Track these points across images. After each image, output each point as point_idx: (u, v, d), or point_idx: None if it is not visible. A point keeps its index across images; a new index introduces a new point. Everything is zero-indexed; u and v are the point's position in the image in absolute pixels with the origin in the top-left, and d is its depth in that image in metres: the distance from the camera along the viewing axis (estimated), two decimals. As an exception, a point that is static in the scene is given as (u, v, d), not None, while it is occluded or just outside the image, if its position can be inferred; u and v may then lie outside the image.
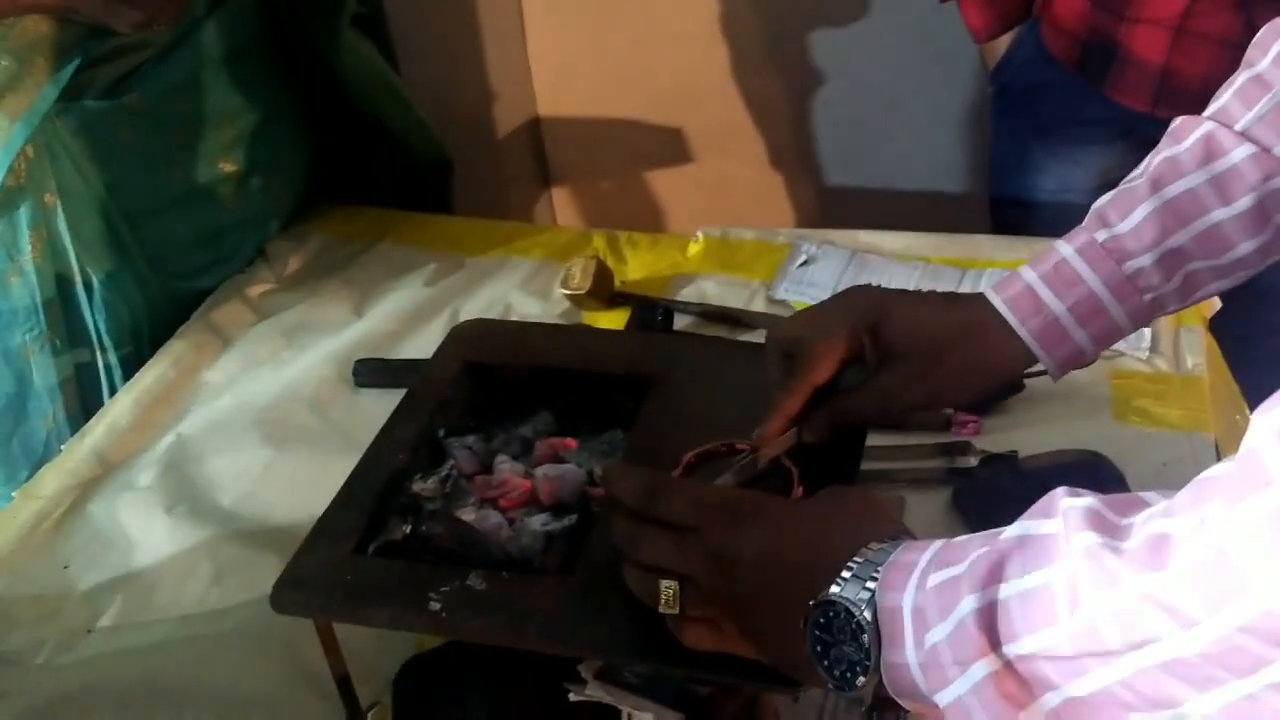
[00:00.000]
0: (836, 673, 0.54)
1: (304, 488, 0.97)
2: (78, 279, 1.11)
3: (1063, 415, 0.97)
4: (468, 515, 0.74)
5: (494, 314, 1.18)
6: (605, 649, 0.68)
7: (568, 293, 1.16)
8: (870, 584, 0.53)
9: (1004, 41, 1.33)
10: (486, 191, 1.81)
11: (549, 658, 0.69)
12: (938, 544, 0.53)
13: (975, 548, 0.50)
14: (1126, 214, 0.69)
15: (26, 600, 0.91)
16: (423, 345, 1.13)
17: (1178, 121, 0.72)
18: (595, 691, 0.71)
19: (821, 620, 0.54)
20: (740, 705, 0.72)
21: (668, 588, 0.60)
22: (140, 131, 1.12)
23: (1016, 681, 0.47)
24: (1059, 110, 1.32)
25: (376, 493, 0.75)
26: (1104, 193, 1.38)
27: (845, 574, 0.54)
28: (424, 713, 0.78)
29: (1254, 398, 1.05)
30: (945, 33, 1.48)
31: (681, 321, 1.13)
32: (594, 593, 0.67)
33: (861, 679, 0.53)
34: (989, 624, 0.48)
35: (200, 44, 1.16)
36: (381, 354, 1.14)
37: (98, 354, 1.15)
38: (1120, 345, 1.03)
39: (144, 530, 0.97)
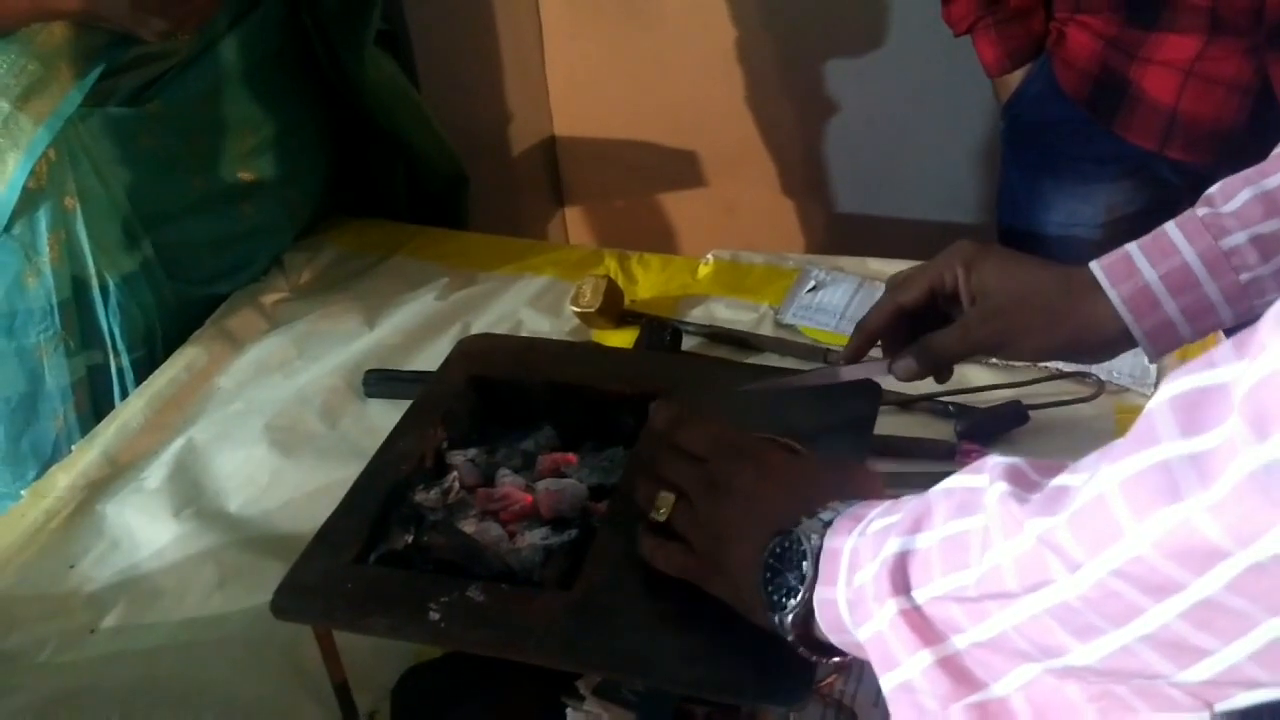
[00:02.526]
0: (775, 597, 0.59)
1: (310, 495, 0.98)
2: (94, 282, 1.12)
3: (1067, 448, 0.97)
4: (469, 527, 0.75)
5: (504, 329, 1.19)
6: (603, 664, 0.68)
7: (578, 310, 1.17)
8: (827, 527, 0.58)
9: (1017, 76, 1.34)
10: (501, 208, 1.83)
11: (546, 671, 0.69)
12: (890, 502, 0.57)
13: (914, 498, 0.55)
14: (1231, 197, 0.70)
15: (31, 598, 0.92)
16: (433, 358, 1.13)
17: None
18: (592, 707, 0.72)
19: (777, 550, 0.59)
20: (735, 725, 0.72)
21: (665, 498, 0.68)
22: (161, 138, 1.14)
23: (926, 623, 0.51)
24: (1069, 146, 1.33)
25: (379, 502, 0.76)
26: (1111, 229, 1.39)
27: (808, 516, 0.59)
28: (420, 722, 0.78)
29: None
30: (959, 65, 1.49)
31: (689, 342, 1.14)
32: (592, 608, 0.68)
33: (792, 601, 0.58)
34: (904, 567, 0.52)
35: (223, 54, 1.17)
36: (391, 365, 1.15)
37: (110, 356, 1.16)
38: (1125, 380, 1.03)
39: (150, 532, 0.98)
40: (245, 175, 1.24)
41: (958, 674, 0.50)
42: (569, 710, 0.72)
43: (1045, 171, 1.37)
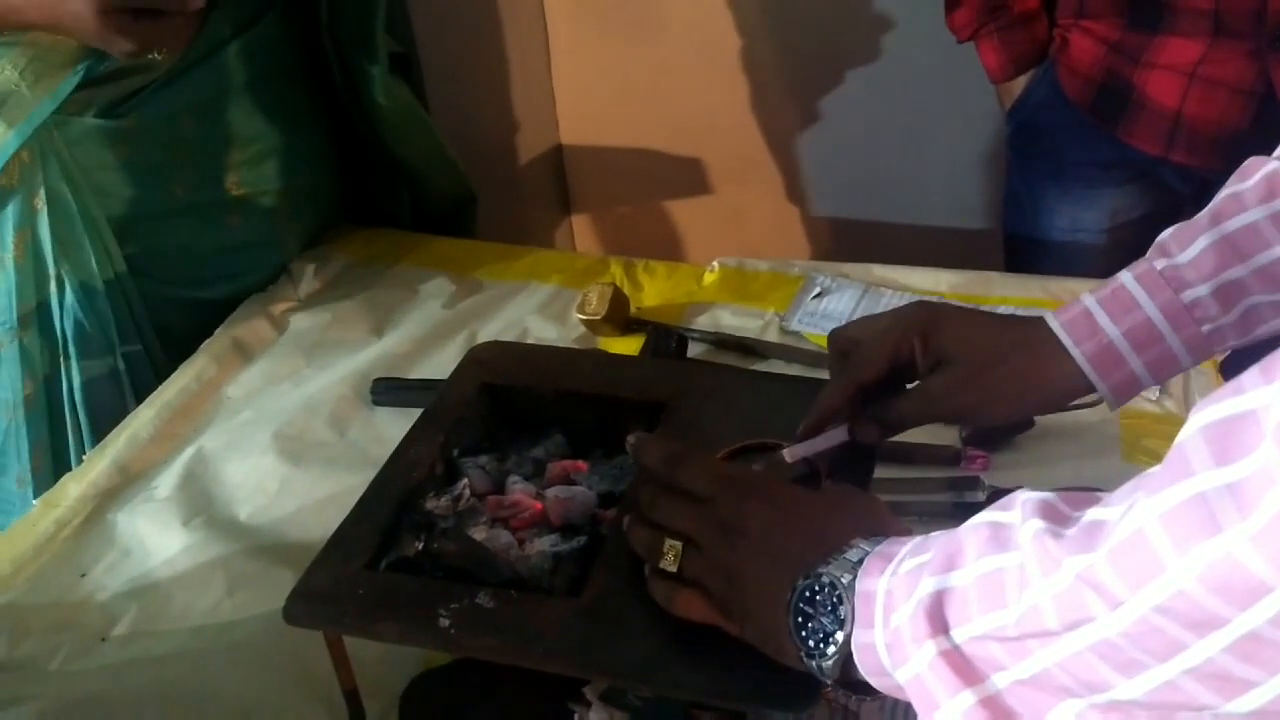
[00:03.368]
0: (811, 643, 0.57)
1: (319, 503, 0.99)
2: (53, 284, 1.12)
3: (1072, 454, 0.98)
4: (479, 534, 0.75)
5: (511, 337, 1.20)
6: (611, 671, 0.68)
7: (584, 318, 1.18)
8: (856, 567, 0.57)
9: (1020, 82, 1.35)
10: (508, 216, 1.83)
11: (555, 678, 0.70)
12: (919, 538, 0.56)
13: (943, 535, 0.54)
14: (1187, 245, 0.69)
15: (43, 607, 0.93)
16: (440, 366, 1.14)
17: (1248, 161, 0.73)
18: (599, 713, 0.72)
19: (806, 594, 0.58)
20: (742, 730, 0.73)
21: (672, 546, 0.65)
22: (139, 149, 1.14)
23: (965, 663, 0.50)
24: (1073, 152, 1.33)
25: (390, 509, 0.77)
26: (1116, 234, 1.40)
27: (835, 556, 0.58)
28: (430, 728, 0.78)
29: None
30: (964, 71, 1.49)
31: (695, 349, 1.14)
32: (601, 615, 0.68)
33: (831, 648, 0.56)
34: (941, 607, 0.51)
35: (215, 71, 1.17)
36: (399, 374, 1.15)
37: (61, 360, 1.16)
38: (1130, 385, 1.03)
39: (161, 541, 0.98)
40: (234, 189, 1.24)
41: (1000, 713, 0.50)
42: (576, 716, 0.73)
43: (1050, 177, 1.37)
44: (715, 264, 1.29)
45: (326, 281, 1.32)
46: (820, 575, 0.57)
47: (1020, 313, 1.15)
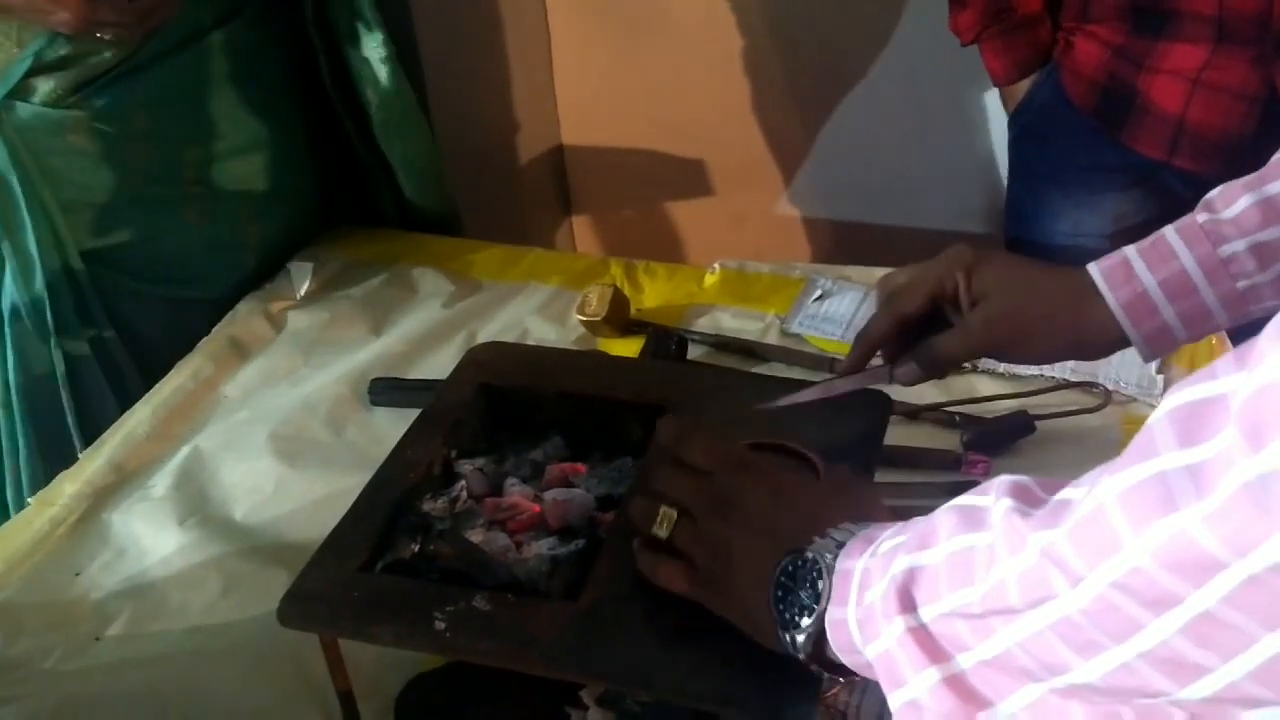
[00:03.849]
0: (787, 615, 0.58)
1: (315, 504, 0.98)
2: None
3: (1073, 458, 0.97)
4: (476, 536, 0.75)
5: (510, 338, 1.19)
6: (608, 675, 0.68)
7: (584, 319, 1.17)
8: (840, 548, 0.58)
9: (1024, 85, 1.34)
10: (508, 217, 1.83)
11: (551, 681, 0.69)
12: (902, 523, 0.57)
13: (922, 519, 0.55)
14: (1231, 202, 0.70)
15: (37, 606, 0.92)
16: (438, 366, 1.14)
17: None
18: (596, 717, 0.72)
19: (789, 568, 0.59)
20: (740, 736, 0.72)
21: (666, 514, 0.66)
22: (91, 138, 1.12)
23: (932, 640, 0.51)
24: (1075, 156, 1.33)
25: (386, 511, 0.76)
26: (1118, 239, 1.39)
27: (820, 537, 0.59)
28: (425, 732, 0.78)
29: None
30: (967, 74, 1.49)
31: (695, 351, 1.14)
32: (598, 618, 0.67)
33: (805, 620, 0.58)
34: (910, 586, 0.52)
35: (176, 67, 1.16)
36: (397, 374, 1.15)
37: None
38: (1132, 390, 1.03)
39: (156, 541, 0.98)
40: (191, 185, 1.22)
41: (964, 693, 0.50)
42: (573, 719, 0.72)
43: (1052, 181, 1.37)
44: (716, 266, 1.28)
45: (325, 281, 1.32)
46: (804, 552, 0.59)
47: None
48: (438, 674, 0.80)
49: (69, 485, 1.03)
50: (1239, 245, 0.68)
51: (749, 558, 0.62)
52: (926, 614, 0.51)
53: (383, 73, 1.28)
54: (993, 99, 1.46)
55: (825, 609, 0.57)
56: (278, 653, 0.84)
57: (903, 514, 0.87)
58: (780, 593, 0.59)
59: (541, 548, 0.74)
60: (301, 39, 1.29)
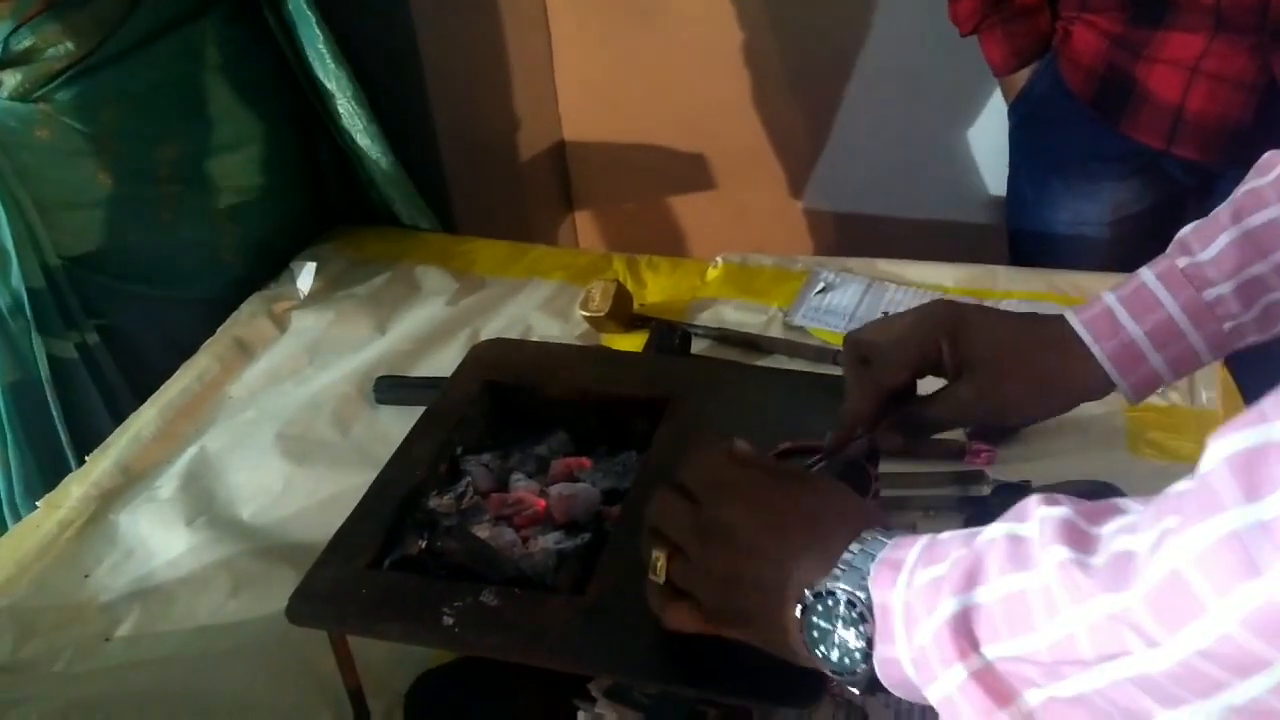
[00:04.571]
0: (834, 657, 0.56)
1: (322, 502, 0.99)
2: None
3: (1077, 446, 0.98)
4: (483, 532, 0.75)
5: (514, 334, 1.20)
6: (615, 668, 0.68)
7: (587, 314, 1.17)
8: (866, 577, 0.55)
9: (1023, 75, 1.34)
10: (510, 213, 1.83)
11: (559, 675, 0.70)
12: (923, 540, 0.54)
13: (956, 547, 0.52)
14: (1208, 242, 0.69)
15: (47, 608, 0.93)
16: (443, 364, 1.14)
17: (1266, 156, 0.72)
18: (604, 710, 0.72)
19: (820, 608, 0.56)
20: (748, 727, 0.73)
21: (658, 556, 0.62)
22: (59, 133, 1.12)
23: (998, 680, 0.49)
24: (1075, 145, 1.33)
25: (393, 508, 0.76)
26: (1119, 227, 1.39)
27: (842, 566, 0.55)
28: (435, 727, 0.78)
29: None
30: (966, 64, 1.48)
31: (699, 345, 1.14)
32: (605, 611, 0.68)
33: (859, 665, 0.55)
34: (968, 626, 0.49)
35: (144, 63, 1.16)
36: (402, 372, 1.15)
37: None
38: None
39: (164, 541, 0.98)
40: (166, 184, 1.22)
41: None
42: (580, 713, 0.72)
43: (1052, 170, 1.37)
44: (719, 260, 1.29)
45: (328, 280, 1.32)
46: (833, 591, 0.55)
47: (1027, 307, 1.15)
48: (446, 669, 0.81)
49: (76, 487, 1.04)
50: (1224, 288, 0.68)
51: (760, 588, 0.58)
52: (989, 654, 0.49)
53: (328, 65, 1.27)
54: (992, 89, 1.45)
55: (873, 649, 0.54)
56: (287, 651, 0.85)
57: (906, 503, 0.87)
58: (814, 634, 0.56)
59: (548, 542, 0.74)
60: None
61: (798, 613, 0.56)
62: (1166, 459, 0.96)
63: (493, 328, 1.22)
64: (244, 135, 1.28)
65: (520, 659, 0.68)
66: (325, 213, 1.43)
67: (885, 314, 1.17)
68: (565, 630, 0.67)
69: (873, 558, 0.55)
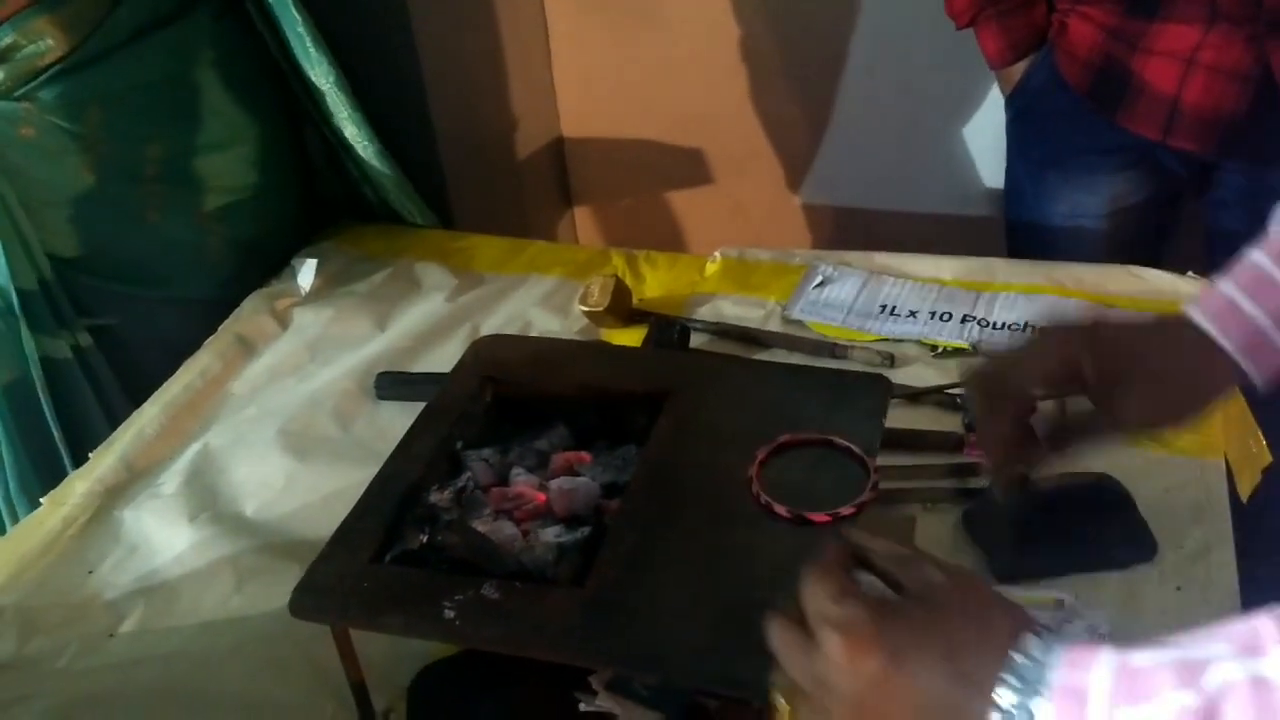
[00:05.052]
0: None
1: (325, 498, 0.99)
2: None
3: (1076, 439, 0.98)
4: (483, 526, 0.76)
5: (513, 330, 1.20)
6: (616, 660, 0.69)
7: (586, 310, 1.18)
8: (1039, 716, 0.47)
9: (1019, 68, 1.34)
10: (509, 209, 1.83)
11: (559, 667, 0.70)
12: (1108, 663, 0.47)
13: (1170, 685, 0.45)
14: None
15: (51, 605, 0.93)
16: (443, 360, 1.14)
17: None
18: (605, 702, 0.72)
19: None
20: (749, 718, 0.73)
21: (781, 706, 0.57)
22: (42, 131, 1.12)
23: None
24: (1072, 137, 1.33)
25: (394, 503, 0.77)
26: (1116, 219, 1.39)
27: (1003, 704, 0.48)
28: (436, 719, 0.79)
29: (1269, 426, 1.05)
30: (963, 58, 1.49)
31: (698, 340, 1.15)
32: (605, 604, 0.68)
33: None
34: None
35: (128, 62, 1.15)
36: (403, 368, 1.16)
37: None
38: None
39: (167, 537, 0.99)
40: (151, 184, 1.21)
41: None
42: (581, 704, 0.73)
43: (1049, 163, 1.37)
44: (717, 254, 1.29)
45: (329, 277, 1.33)
46: None
47: (1025, 300, 1.15)
48: (448, 663, 0.81)
49: (80, 484, 1.04)
50: None
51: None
52: None
53: (309, 50, 1.27)
54: (989, 82, 1.45)
55: None
56: (290, 646, 0.85)
57: (904, 495, 0.85)
58: None
59: (548, 536, 0.75)
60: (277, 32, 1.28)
61: None
62: (1163, 450, 0.96)
63: (492, 324, 1.22)
64: (232, 135, 1.27)
65: (521, 651, 0.69)
66: (318, 212, 1.42)
67: (883, 307, 1.17)
68: (565, 623, 0.67)
69: (1036, 690, 0.48)
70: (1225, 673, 0.44)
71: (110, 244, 1.22)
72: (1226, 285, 0.69)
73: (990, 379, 0.72)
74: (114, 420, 1.16)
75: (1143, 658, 0.47)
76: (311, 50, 1.27)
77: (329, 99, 1.31)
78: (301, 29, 1.25)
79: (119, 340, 1.24)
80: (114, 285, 1.23)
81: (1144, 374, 0.69)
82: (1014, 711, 0.48)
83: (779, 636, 0.56)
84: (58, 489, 1.05)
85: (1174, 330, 0.71)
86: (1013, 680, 0.48)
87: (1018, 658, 0.49)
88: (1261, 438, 1.00)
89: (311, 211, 1.42)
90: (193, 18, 1.21)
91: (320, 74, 1.29)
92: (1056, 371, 0.70)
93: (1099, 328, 0.71)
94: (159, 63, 1.18)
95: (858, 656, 0.52)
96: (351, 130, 1.33)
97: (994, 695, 0.48)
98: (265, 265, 1.34)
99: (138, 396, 1.17)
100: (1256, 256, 0.69)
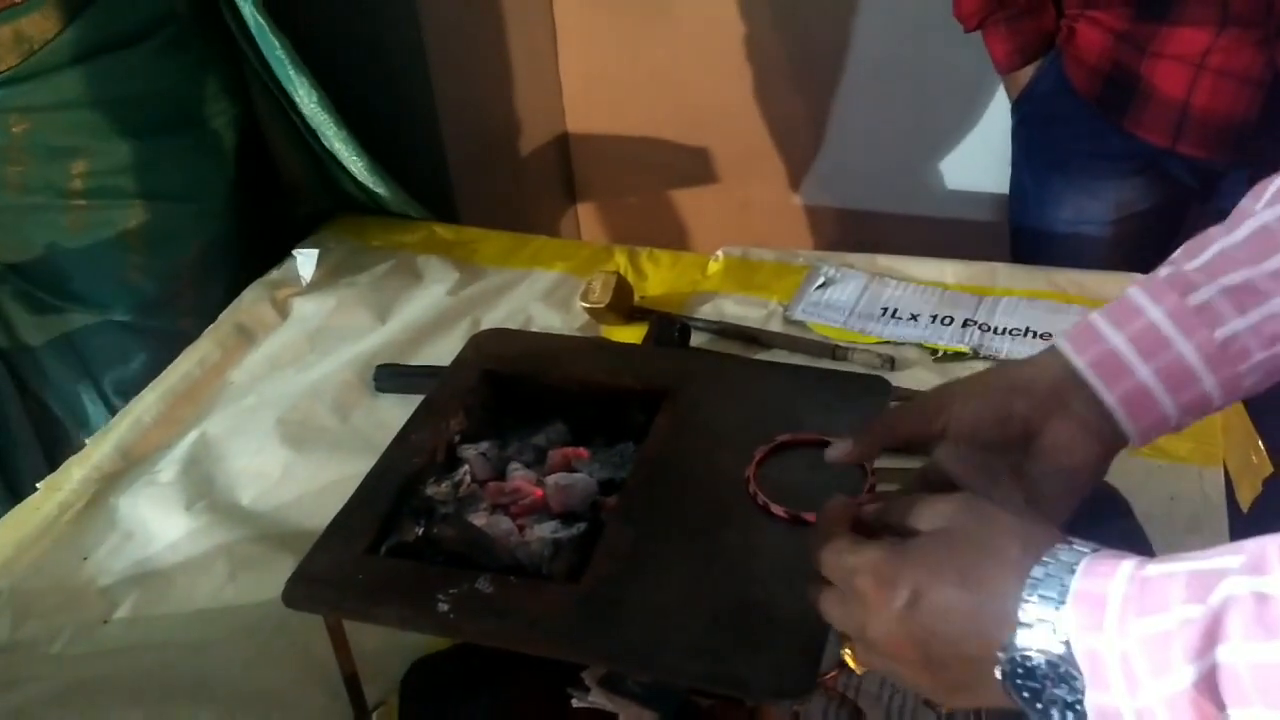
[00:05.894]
0: (1055, 714, 0.51)
1: (321, 489, 0.99)
2: None
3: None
4: (479, 520, 0.75)
5: (514, 324, 1.20)
6: (609, 657, 0.68)
7: (587, 306, 1.18)
8: (1060, 626, 0.49)
9: (1027, 72, 1.34)
10: (513, 204, 1.83)
11: (553, 663, 0.70)
12: (1125, 571, 0.49)
13: (1180, 597, 0.47)
14: (1196, 254, 0.63)
15: (45, 590, 0.93)
16: (443, 353, 1.14)
17: (1258, 184, 0.65)
18: (598, 698, 0.72)
19: (1020, 671, 0.51)
20: (742, 717, 0.73)
21: (846, 651, 0.59)
22: None
23: None
24: (1078, 142, 1.33)
25: (391, 495, 0.77)
26: (1121, 226, 1.39)
27: (1025, 618, 0.50)
28: (429, 713, 0.79)
29: (1269, 435, 1.04)
30: (971, 61, 1.49)
31: (698, 338, 1.14)
32: (600, 601, 0.68)
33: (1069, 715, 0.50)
34: (1212, 689, 0.45)
35: (71, 82, 1.14)
36: (402, 360, 1.16)
37: None
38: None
39: (163, 525, 0.99)
40: (75, 199, 1.19)
41: None
42: (574, 701, 0.73)
43: (1055, 168, 1.37)
44: (720, 253, 1.29)
45: (331, 268, 1.32)
46: (1028, 654, 0.50)
47: (1027, 304, 1.15)
48: (442, 656, 0.81)
49: (77, 470, 1.04)
50: (1209, 292, 0.61)
51: (947, 671, 0.54)
52: (1236, 717, 0.45)
53: (294, 79, 1.27)
54: (996, 86, 1.45)
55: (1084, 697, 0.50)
56: (284, 636, 0.85)
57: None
58: (1026, 694, 0.51)
59: (544, 531, 0.75)
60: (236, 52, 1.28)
61: (1000, 680, 0.51)
62: (1163, 459, 0.96)
63: (493, 318, 1.22)
64: (166, 158, 1.25)
65: (514, 646, 0.69)
66: (268, 235, 1.38)
67: (885, 310, 1.17)
68: (560, 618, 0.67)
69: (1057, 600, 0.50)
70: (1231, 586, 0.45)
71: (47, 255, 1.20)
72: (1092, 314, 0.64)
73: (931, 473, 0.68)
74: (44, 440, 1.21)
75: (1158, 568, 0.48)
76: (292, 74, 1.26)
77: (314, 120, 1.30)
78: (280, 53, 1.24)
79: (33, 356, 1.24)
80: (55, 300, 1.23)
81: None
82: (1036, 624, 0.50)
83: (820, 599, 0.59)
84: (55, 474, 1.05)
85: (1038, 374, 0.65)
86: (1032, 596, 0.50)
87: (1037, 571, 0.50)
88: (1263, 448, 0.99)
89: (251, 238, 1.37)
90: (145, 45, 1.18)
91: (303, 95, 1.28)
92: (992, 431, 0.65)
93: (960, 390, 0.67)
94: (98, 84, 1.16)
95: (884, 592, 0.55)
96: (340, 148, 1.32)
97: (1018, 612, 0.50)
98: (198, 292, 1.30)
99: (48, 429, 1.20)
100: (1131, 290, 0.63)
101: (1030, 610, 0.50)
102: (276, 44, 1.24)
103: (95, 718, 0.82)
